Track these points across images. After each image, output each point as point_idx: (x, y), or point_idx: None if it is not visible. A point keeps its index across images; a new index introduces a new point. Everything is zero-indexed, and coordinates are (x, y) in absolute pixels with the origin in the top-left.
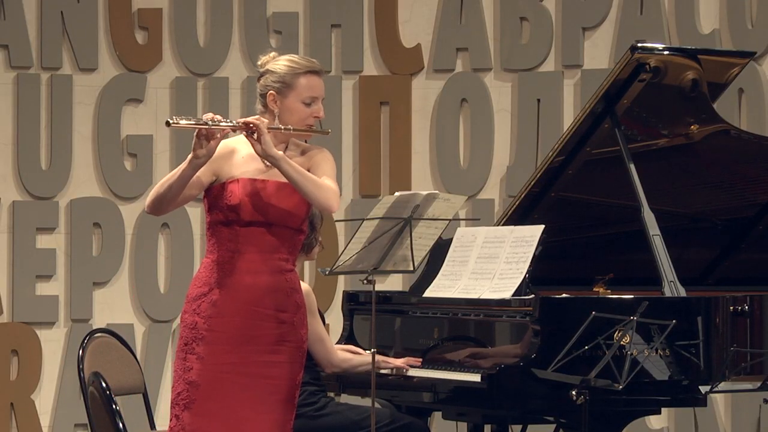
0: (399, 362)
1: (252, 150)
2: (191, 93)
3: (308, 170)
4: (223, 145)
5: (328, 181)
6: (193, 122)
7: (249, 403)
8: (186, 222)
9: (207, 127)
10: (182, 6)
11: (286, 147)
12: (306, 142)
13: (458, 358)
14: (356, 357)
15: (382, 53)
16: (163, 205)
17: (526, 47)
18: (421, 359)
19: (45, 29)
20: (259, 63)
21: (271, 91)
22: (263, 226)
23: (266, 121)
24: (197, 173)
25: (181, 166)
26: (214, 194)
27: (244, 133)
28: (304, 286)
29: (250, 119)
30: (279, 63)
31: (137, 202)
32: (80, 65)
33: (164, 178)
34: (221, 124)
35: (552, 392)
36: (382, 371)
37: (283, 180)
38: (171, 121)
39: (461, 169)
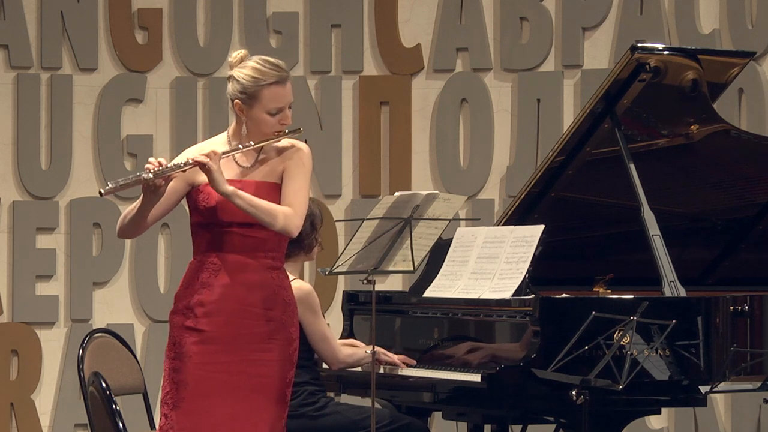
0: (396, 358)
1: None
2: (191, 93)
3: (282, 172)
4: (198, 149)
5: (291, 203)
6: (132, 180)
7: (239, 402)
8: (186, 222)
9: (150, 179)
10: (182, 6)
11: (261, 148)
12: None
13: (458, 358)
14: (359, 351)
15: (382, 53)
16: (130, 233)
17: (526, 47)
18: (415, 361)
19: (45, 29)
20: (228, 61)
21: (237, 101)
22: (243, 226)
23: (219, 152)
24: (170, 187)
25: (138, 201)
26: (193, 197)
27: (199, 167)
28: (306, 286)
29: (199, 158)
30: (243, 72)
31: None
32: (80, 65)
33: (127, 209)
34: (168, 170)
35: (552, 392)
36: (380, 370)
37: (261, 179)
38: (103, 191)
39: (461, 169)
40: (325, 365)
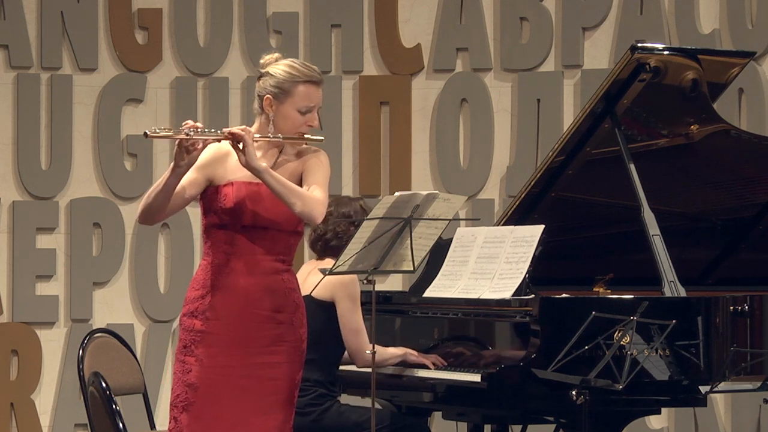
0: (431, 359)
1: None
2: (191, 93)
3: (301, 174)
4: (218, 148)
5: (316, 192)
6: (173, 133)
7: (248, 405)
8: (186, 222)
9: (188, 137)
10: (182, 6)
11: (281, 150)
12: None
13: (458, 358)
14: (388, 350)
15: (382, 53)
16: (153, 214)
17: (526, 47)
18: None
19: (45, 29)
20: (261, 62)
21: (268, 95)
22: (258, 229)
23: (252, 130)
24: (190, 179)
25: (164, 174)
26: (209, 197)
27: (230, 142)
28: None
29: (235, 129)
30: (279, 68)
31: (137, 202)
32: (80, 65)
33: (151, 188)
34: (204, 134)
35: (552, 392)
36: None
37: None
38: (149, 132)
39: (461, 169)
40: (347, 366)
